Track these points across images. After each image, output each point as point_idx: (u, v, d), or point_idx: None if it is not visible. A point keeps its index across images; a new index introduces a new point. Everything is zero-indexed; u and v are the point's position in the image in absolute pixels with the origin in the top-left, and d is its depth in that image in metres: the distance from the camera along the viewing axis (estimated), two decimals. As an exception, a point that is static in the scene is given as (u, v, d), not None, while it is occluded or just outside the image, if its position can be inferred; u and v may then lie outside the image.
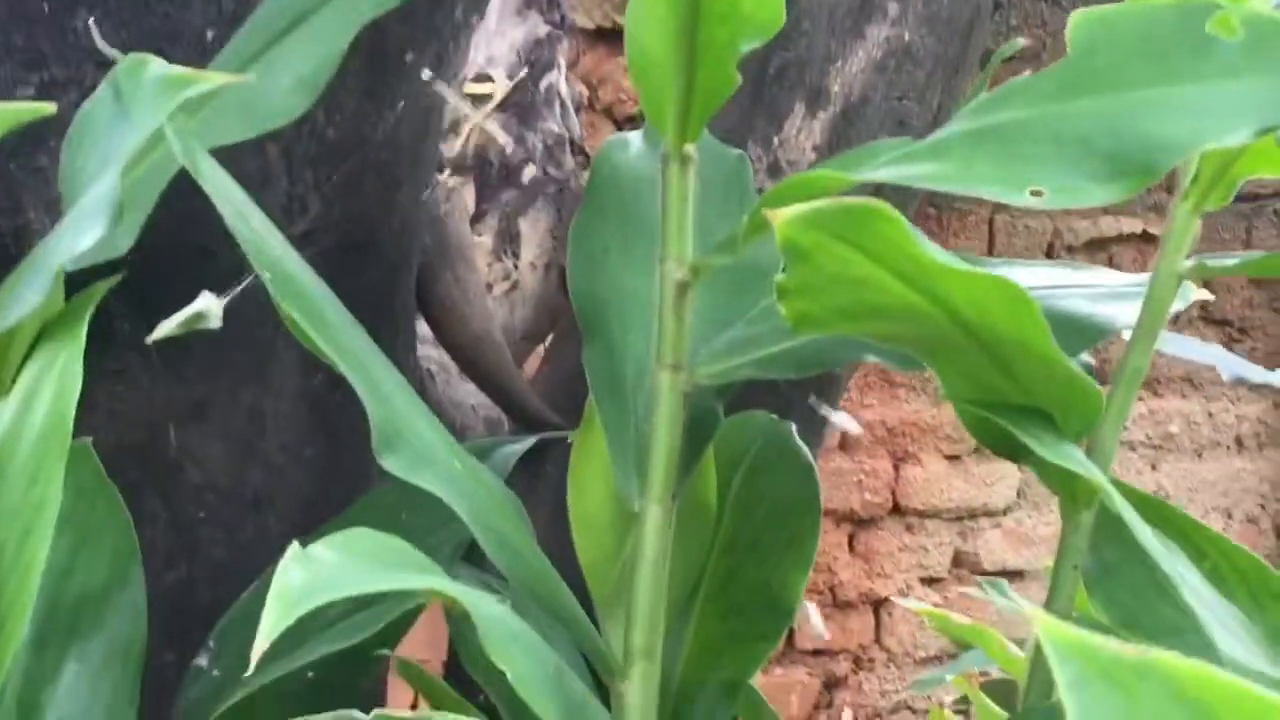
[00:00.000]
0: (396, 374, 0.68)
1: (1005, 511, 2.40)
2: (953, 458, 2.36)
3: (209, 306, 0.60)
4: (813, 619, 1.54)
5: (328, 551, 0.51)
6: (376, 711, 0.49)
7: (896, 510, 2.30)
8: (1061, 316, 0.75)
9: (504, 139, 0.78)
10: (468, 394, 1.05)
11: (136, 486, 0.84)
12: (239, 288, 0.60)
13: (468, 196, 1.16)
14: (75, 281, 0.71)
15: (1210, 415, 2.48)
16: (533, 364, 1.18)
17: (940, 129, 0.66)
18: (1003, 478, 2.40)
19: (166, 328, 0.60)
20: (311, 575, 0.50)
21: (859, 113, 1.01)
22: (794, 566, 0.84)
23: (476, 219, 1.17)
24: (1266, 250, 2.53)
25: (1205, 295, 0.79)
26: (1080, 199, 0.58)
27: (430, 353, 1.04)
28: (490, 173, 1.19)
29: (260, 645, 0.48)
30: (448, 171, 1.11)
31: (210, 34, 0.82)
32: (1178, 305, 0.75)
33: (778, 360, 0.73)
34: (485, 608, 0.55)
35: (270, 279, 0.61)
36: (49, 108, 0.58)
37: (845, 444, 2.23)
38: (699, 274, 0.71)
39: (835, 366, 0.72)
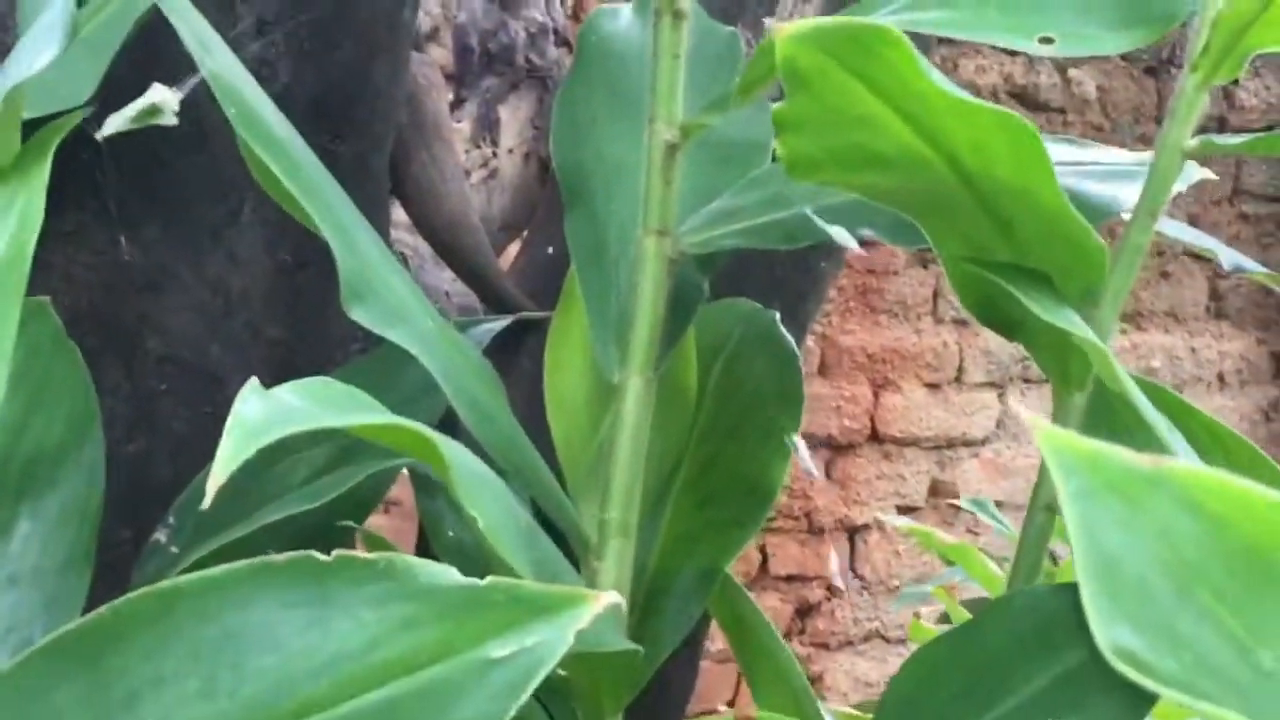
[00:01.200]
0: (369, 227, 0.65)
1: (984, 442, 2.39)
2: (933, 386, 2.34)
3: (164, 99, 0.56)
4: (834, 568, 1.52)
5: (288, 394, 0.48)
6: (338, 551, 0.46)
7: (875, 437, 2.28)
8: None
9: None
10: (442, 280, 1.01)
11: (96, 353, 0.80)
12: (194, 80, 0.57)
13: (446, 80, 1.13)
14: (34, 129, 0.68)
15: (1193, 351, 2.47)
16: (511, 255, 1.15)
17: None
18: (983, 408, 2.39)
19: (117, 121, 0.57)
20: (271, 409, 0.47)
21: (853, -4, 0.98)
22: (774, 455, 0.81)
23: (456, 105, 1.13)
24: (1255, 192, 2.50)
25: (1208, 174, 0.77)
26: (1092, 46, 0.56)
27: (404, 237, 1.01)
28: (471, 59, 1.16)
29: (217, 479, 0.45)
30: (424, 49, 1.07)
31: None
32: (1180, 185, 0.72)
33: (765, 230, 0.70)
34: (457, 454, 0.52)
35: (235, 115, 0.57)
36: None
37: (825, 369, 2.21)
38: (689, 134, 0.68)
39: (823, 238, 0.69)
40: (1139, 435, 0.62)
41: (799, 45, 0.52)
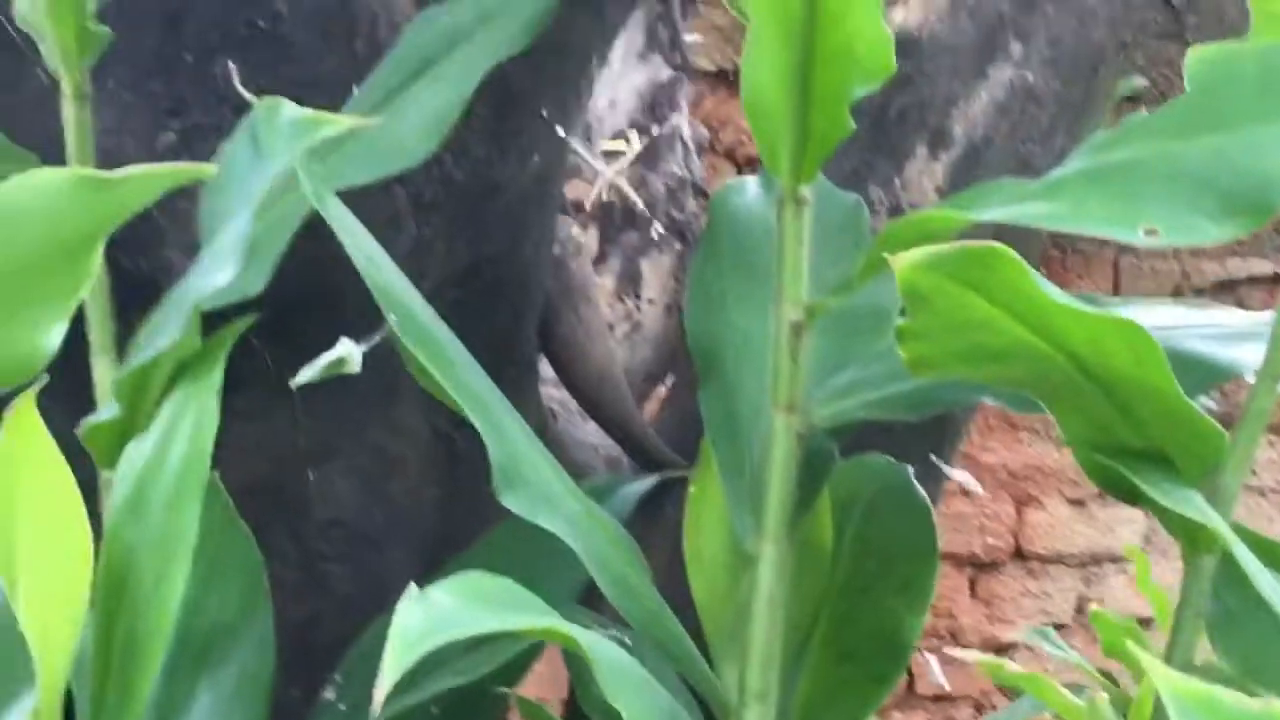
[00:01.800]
0: (517, 415, 0.70)
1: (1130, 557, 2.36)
2: (1076, 502, 2.33)
3: (349, 352, 0.62)
4: (934, 669, 1.53)
5: (444, 595, 0.52)
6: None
7: (1019, 555, 2.28)
8: (1182, 357, 0.74)
9: (634, 196, 0.79)
10: (589, 433, 1.06)
11: (267, 523, 0.86)
12: (377, 336, 0.62)
13: (590, 238, 1.18)
14: (213, 321, 0.74)
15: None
16: (655, 404, 1.20)
17: (1056, 168, 0.66)
18: (1128, 522, 2.37)
19: (308, 373, 0.63)
20: (429, 617, 0.51)
21: (981, 155, 1.01)
22: (910, 610, 0.84)
23: (599, 261, 1.19)
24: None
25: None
26: (1195, 237, 0.58)
27: (553, 392, 1.06)
28: (613, 215, 1.21)
29: (383, 686, 0.49)
30: (571, 214, 1.13)
31: (345, 79, 0.84)
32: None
33: (892, 402, 0.73)
34: (601, 648, 0.56)
35: (397, 321, 0.63)
36: (210, 169, 0.61)
37: (966, 488, 2.21)
38: (814, 315, 0.72)
39: (950, 408, 0.73)
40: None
41: (918, 271, 0.56)
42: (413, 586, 0.52)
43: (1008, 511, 2.27)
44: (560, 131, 0.82)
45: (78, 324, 0.80)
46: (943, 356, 0.62)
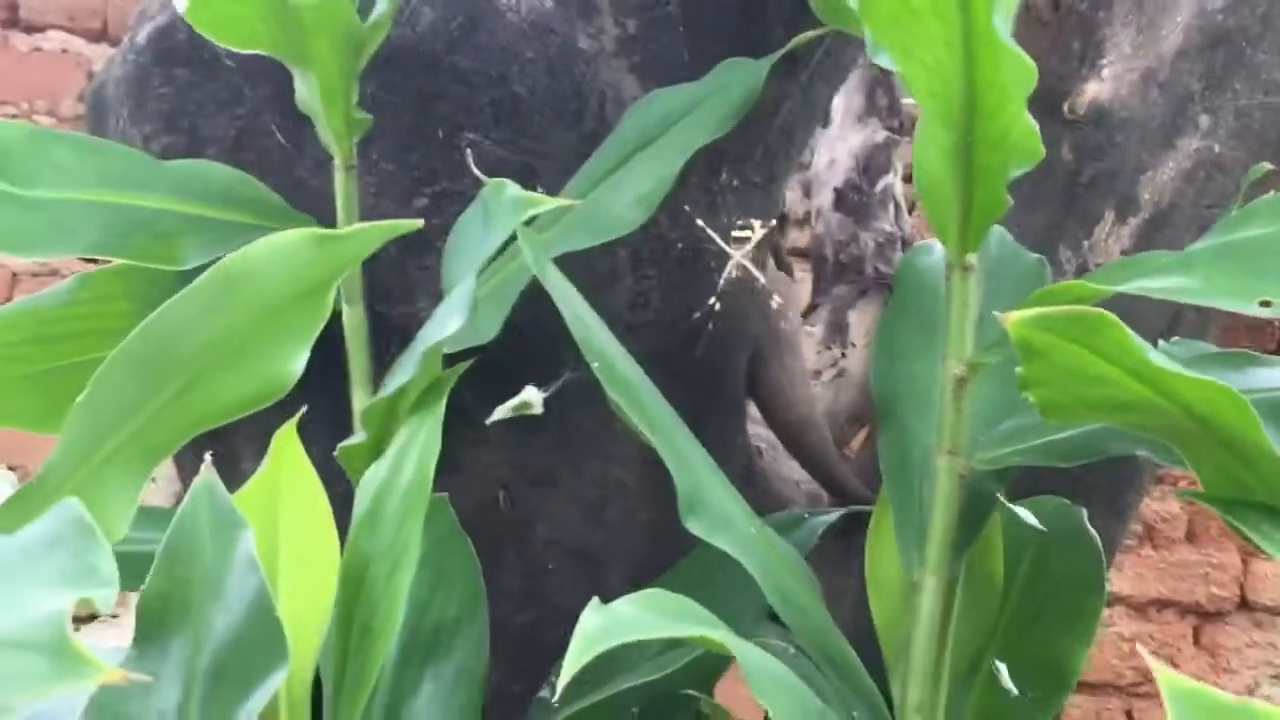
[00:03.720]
0: (701, 449, 0.79)
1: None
2: (1309, 553, 2.30)
3: (532, 397, 0.73)
4: None
5: (625, 605, 0.62)
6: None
7: (1245, 605, 2.27)
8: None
9: (760, 276, 0.89)
10: (792, 470, 1.15)
11: (495, 538, 0.98)
12: (557, 383, 0.73)
13: (803, 290, 1.28)
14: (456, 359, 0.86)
15: None
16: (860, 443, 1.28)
17: (1194, 245, 0.73)
18: (1360, 573, 2.33)
19: (500, 413, 0.74)
20: (607, 621, 0.61)
21: (1167, 219, 1.07)
22: (1076, 640, 0.91)
23: (810, 311, 1.28)
24: None
25: None
26: (1306, 309, 0.65)
27: (760, 431, 1.16)
28: (825, 268, 1.31)
29: (565, 677, 0.59)
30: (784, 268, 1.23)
31: (575, 153, 0.96)
32: None
33: (1045, 449, 0.81)
34: (752, 653, 0.65)
35: (599, 367, 0.73)
36: (416, 224, 0.73)
37: (1191, 535, 2.22)
38: (975, 370, 0.80)
39: (1098, 456, 0.80)
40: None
41: (1028, 329, 0.64)
42: (595, 599, 0.62)
43: (1233, 561, 2.27)
44: (700, 222, 0.92)
45: (343, 361, 0.94)
46: (1071, 404, 0.69)
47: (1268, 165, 0.93)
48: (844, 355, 1.23)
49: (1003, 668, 0.80)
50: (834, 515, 0.99)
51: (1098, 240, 1.08)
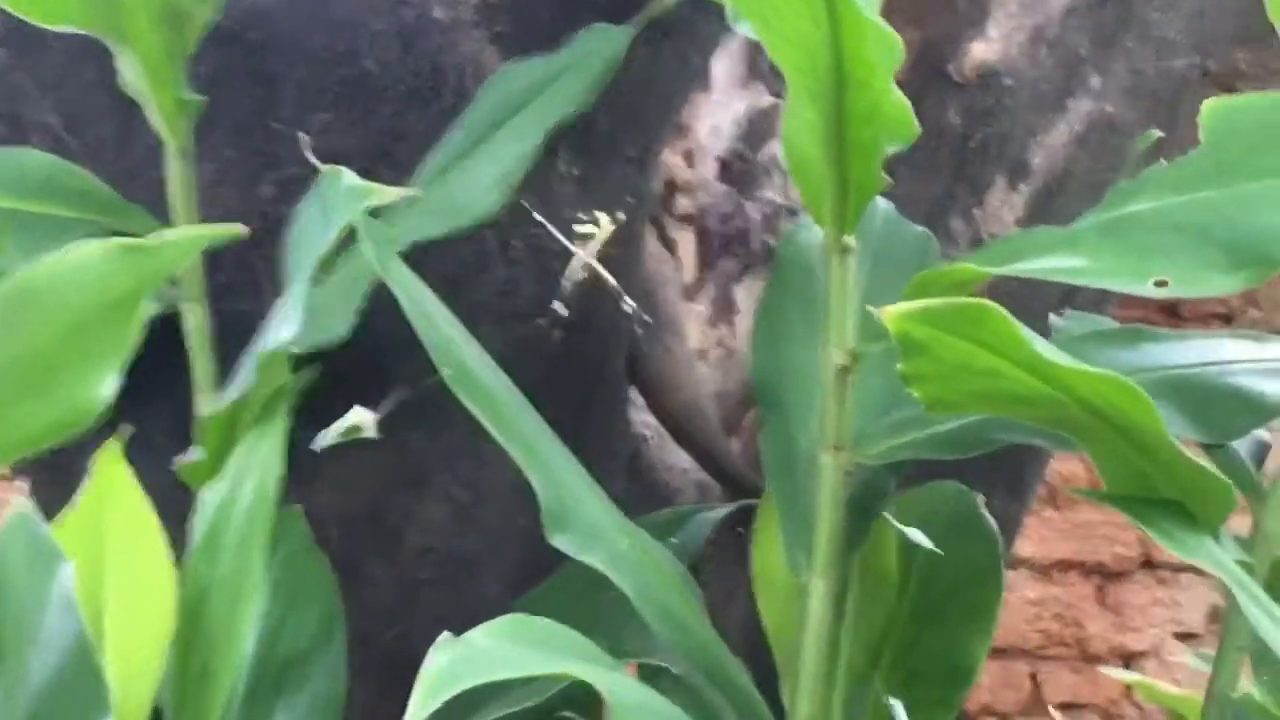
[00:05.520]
0: (568, 455, 0.74)
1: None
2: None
3: (363, 419, 0.67)
4: None
5: (481, 637, 0.57)
6: None
7: (1148, 564, 2.25)
8: (1232, 393, 0.76)
9: (610, 280, 0.83)
10: (680, 458, 1.10)
11: (362, 551, 0.92)
12: (389, 404, 0.67)
13: (685, 267, 1.22)
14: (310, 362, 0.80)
15: None
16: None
17: (1078, 220, 0.68)
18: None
19: (326, 438, 0.68)
20: (458, 659, 0.55)
21: (1061, 186, 1.03)
22: (975, 635, 0.86)
23: (696, 288, 1.22)
24: None
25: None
26: (1202, 289, 0.60)
27: (645, 418, 1.10)
28: (710, 242, 1.25)
29: (412, 722, 0.54)
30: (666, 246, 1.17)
31: (432, 132, 0.89)
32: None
33: (936, 441, 0.76)
34: (624, 692, 0.60)
35: (451, 376, 0.67)
36: (239, 229, 0.66)
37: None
38: (859, 359, 0.75)
39: (991, 448, 0.75)
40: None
41: (909, 323, 0.59)
42: (446, 634, 0.56)
43: (1138, 520, 2.25)
44: (537, 216, 0.86)
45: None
46: (959, 399, 0.65)
47: (1157, 132, 0.88)
48: (732, 334, 1.17)
49: (898, 706, 0.75)
50: (722, 511, 0.93)
51: (990, 209, 1.03)
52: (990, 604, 0.87)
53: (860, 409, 0.77)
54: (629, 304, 0.86)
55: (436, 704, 0.54)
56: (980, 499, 0.90)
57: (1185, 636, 2.27)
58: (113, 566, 0.66)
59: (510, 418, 0.70)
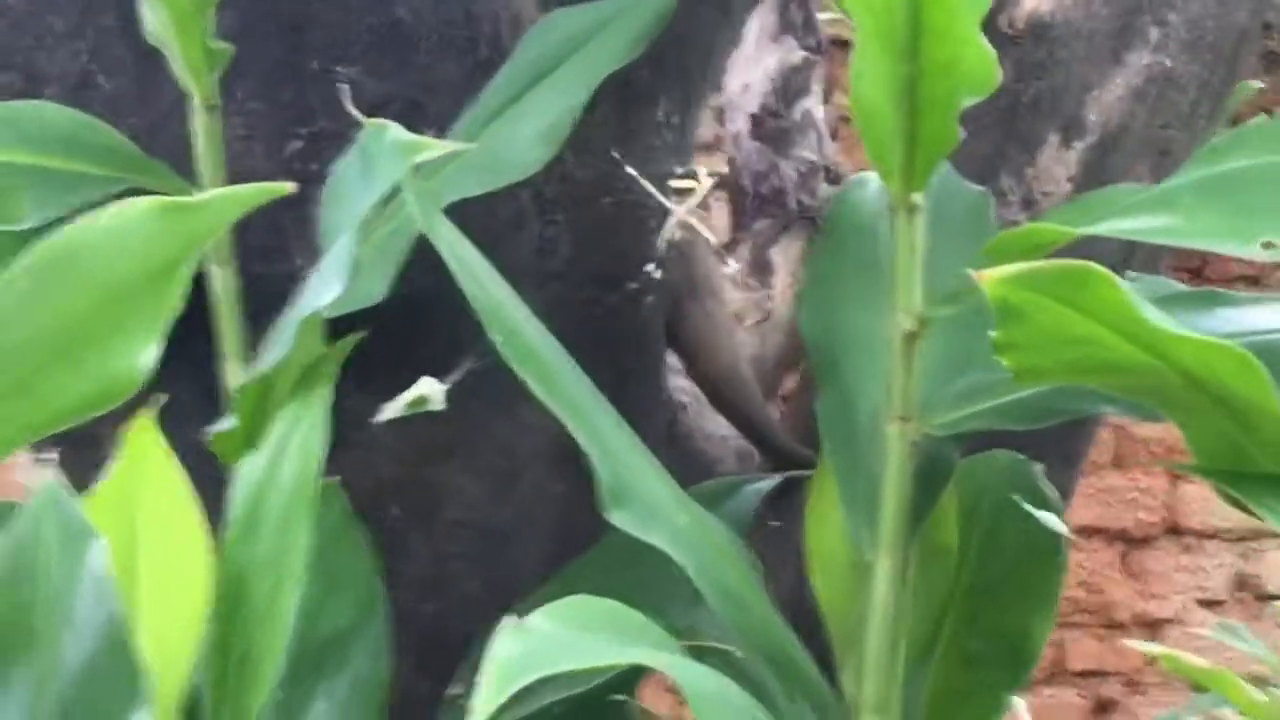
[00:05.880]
0: (626, 429, 0.70)
1: (1278, 539, 2.30)
2: (1236, 474, 2.26)
3: (431, 390, 0.63)
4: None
5: (545, 622, 0.53)
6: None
7: (1173, 530, 2.22)
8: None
9: (707, 233, 0.79)
10: (719, 425, 1.06)
11: (396, 522, 0.88)
12: (459, 372, 0.63)
13: (719, 225, 1.18)
14: (343, 326, 0.76)
15: None
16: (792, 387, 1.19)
17: (1171, 177, 0.64)
18: (1294, 494, 2.29)
19: (391, 410, 0.64)
20: (528, 648, 0.52)
21: (1117, 142, 0.99)
22: (1036, 613, 0.83)
23: (729, 248, 1.18)
24: None
25: None
26: (1317, 251, 0.57)
27: (682, 384, 1.06)
28: (744, 202, 1.21)
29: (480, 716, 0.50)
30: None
31: (467, 84, 0.85)
32: None
33: (1009, 411, 0.72)
34: (697, 679, 0.56)
35: (502, 342, 0.63)
36: (286, 188, 0.62)
37: (1119, 460, 2.17)
38: (927, 325, 0.71)
39: (1069, 418, 0.71)
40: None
41: (1008, 287, 0.55)
42: (512, 617, 0.53)
43: (1160, 485, 2.22)
44: (631, 171, 0.82)
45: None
46: (1051, 367, 0.61)
47: (1256, 84, 0.84)
48: (768, 297, 1.13)
49: (1020, 703, 0.71)
50: (771, 482, 0.89)
51: (1042, 167, 0.99)
52: (1052, 582, 0.84)
53: (925, 377, 0.74)
54: (731, 265, 0.82)
55: (506, 696, 0.50)
56: (1039, 469, 0.87)
57: (1209, 604, 2.24)
58: (146, 543, 0.62)
59: (565, 387, 0.66)
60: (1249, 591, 2.25)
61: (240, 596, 0.62)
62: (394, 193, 0.72)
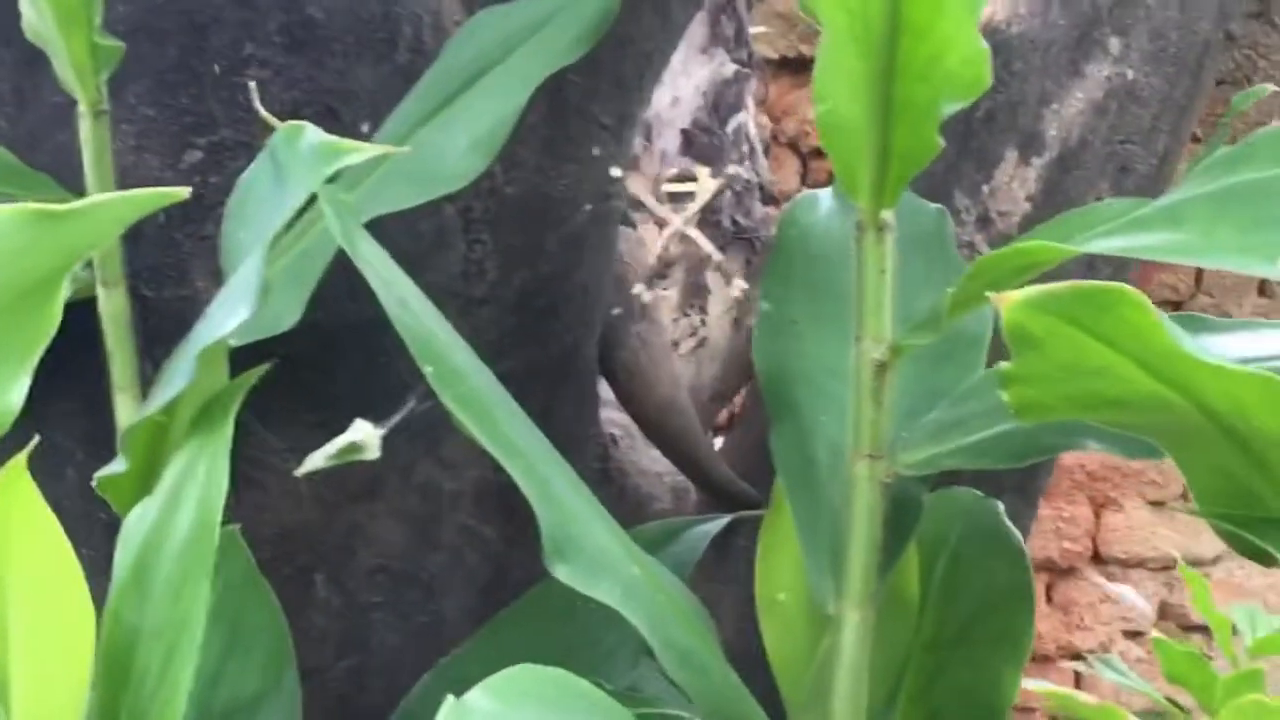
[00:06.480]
0: (568, 470, 0.63)
1: (1215, 561, 2.27)
2: (1156, 504, 2.24)
3: (365, 437, 0.55)
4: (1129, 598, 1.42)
5: (486, 699, 0.46)
6: None
7: (1097, 559, 2.19)
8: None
9: (710, 249, 0.72)
10: (653, 460, 0.99)
11: (305, 571, 0.80)
12: (399, 415, 0.55)
13: (651, 250, 1.11)
14: (246, 355, 0.68)
15: None
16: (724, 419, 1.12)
17: (1176, 190, 0.58)
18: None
19: (316, 460, 0.56)
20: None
21: (1077, 158, 0.93)
22: (1006, 663, 0.76)
23: (661, 273, 1.12)
24: None
25: None
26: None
27: (614, 415, 0.99)
28: (675, 223, 1.14)
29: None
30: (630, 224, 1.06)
31: (387, 91, 0.78)
32: None
33: (988, 447, 0.66)
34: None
35: (434, 373, 0.56)
36: (182, 193, 0.54)
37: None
38: (899, 354, 0.64)
39: (1054, 454, 0.65)
40: None
41: (1028, 312, 0.49)
42: (450, 699, 0.45)
43: (1085, 514, 2.18)
44: (617, 171, 0.75)
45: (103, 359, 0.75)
46: (1054, 402, 0.54)
47: (1271, 87, 0.78)
48: (703, 322, 1.07)
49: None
50: (718, 523, 0.82)
51: (999, 184, 0.93)
52: (1021, 628, 0.77)
53: (892, 411, 0.67)
54: (740, 287, 0.75)
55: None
56: (1000, 506, 0.81)
57: (1134, 635, 2.20)
58: (17, 607, 0.54)
59: (502, 424, 0.58)
60: (1172, 621, 2.22)
61: (128, 669, 0.54)
62: (307, 206, 0.64)
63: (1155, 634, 1.11)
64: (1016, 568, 0.78)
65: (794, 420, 0.72)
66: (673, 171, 0.77)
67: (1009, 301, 0.49)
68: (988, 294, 0.49)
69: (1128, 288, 0.48)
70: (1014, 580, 0.78)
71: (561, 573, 0.56)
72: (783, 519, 0.73)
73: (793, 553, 0.72)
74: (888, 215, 0.65)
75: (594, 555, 0.58)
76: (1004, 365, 0.53)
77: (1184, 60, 0.93)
